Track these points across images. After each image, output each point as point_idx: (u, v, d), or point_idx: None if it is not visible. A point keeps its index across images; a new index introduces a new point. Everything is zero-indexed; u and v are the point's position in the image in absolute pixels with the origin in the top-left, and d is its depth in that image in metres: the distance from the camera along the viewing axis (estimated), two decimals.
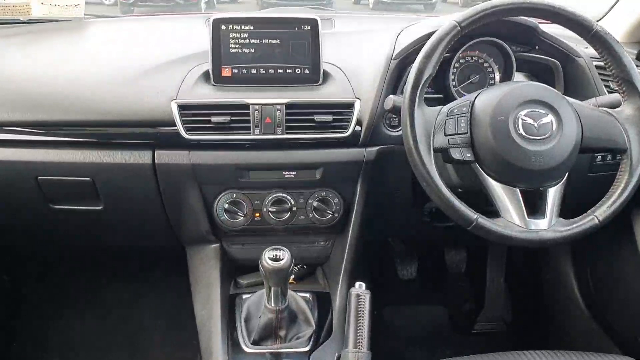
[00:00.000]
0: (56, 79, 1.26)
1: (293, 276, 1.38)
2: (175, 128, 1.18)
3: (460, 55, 1.29)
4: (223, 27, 1.22)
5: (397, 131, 1.25)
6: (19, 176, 1.25)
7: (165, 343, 1.84)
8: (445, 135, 1.05)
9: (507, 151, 1.03)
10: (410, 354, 1.89)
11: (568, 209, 1.09)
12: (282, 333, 1.16)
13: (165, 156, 1.22)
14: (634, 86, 1.08)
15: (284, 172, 1.26)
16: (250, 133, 1.20)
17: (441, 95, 1.31)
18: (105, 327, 1.88)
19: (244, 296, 1.29)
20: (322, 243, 1.39)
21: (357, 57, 1.32)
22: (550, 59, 1.32)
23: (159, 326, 1.89)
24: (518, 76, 1.34)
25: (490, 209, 1.06)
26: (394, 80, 1.25)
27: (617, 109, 1.11)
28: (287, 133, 1.21)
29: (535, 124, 1.04)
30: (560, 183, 1.08)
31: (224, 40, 1.22)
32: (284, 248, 1.08)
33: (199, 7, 10.09)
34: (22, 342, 1.84)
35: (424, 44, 1.06)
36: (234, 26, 1.22)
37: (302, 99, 1.22)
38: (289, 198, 1.29)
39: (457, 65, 1.31)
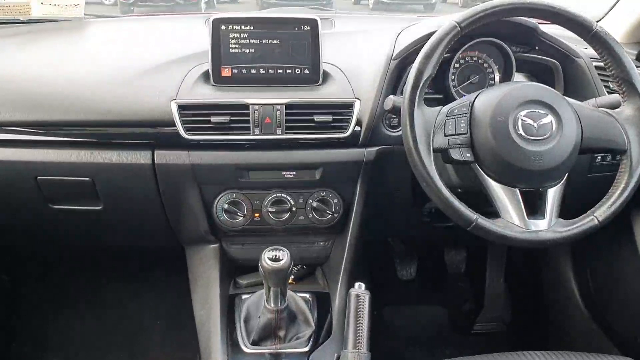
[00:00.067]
0: (56, 79, 1.26)
1: (292, 276, 1.38)
2: (175, 128, 1.18)
3: (460, 56, 1.29)
4: (223, 27, 1.22)
5: (397, 131, 1.25)
6: (18, 176, 1.25)
7: (165, 343, 1.84)
8: (445, 135, 1.05)
9: (507, 151, 1.03)
10: (409, 354, 1.89)
11: (568, 210, 1.09)
12: (281, 333, 1.16)
13: (164, 156, 1.22)
14: (633, 87, 1.08)
15: (283, 172, 1.26)
16: (249, 133, 1.20)
17: (441, 96, 1.31)
18: (105, 327, 1.88)
19: (244, 296, 1.29)
20: (321, 243, 1.39)
21: (357, 58, 1.32)
22: (550, 59, 1.32)
23: (159, 326, 1.89)
24: (518, 76, 1.34)
25: (490, 210, 1.06)
26: (394, 80, 1.25)
27: (617, 110, 1.11)
28: (286, 133, 1.21)
29: (535, 125, 1.04)
30: (560, 183, 1.08)
31: (223, 40, 1.22)
32: (283, 248, 1.08)
33: (199, 7, 10.09)
34: (22, 342, 1.84)
35: (423, 44, 1.06)
36: (234, 26, 1.22)
37: (301, 99, 1.22)
38: (289, 198, 1.29)
39: (457, 65, 1.31)
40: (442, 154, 1.07)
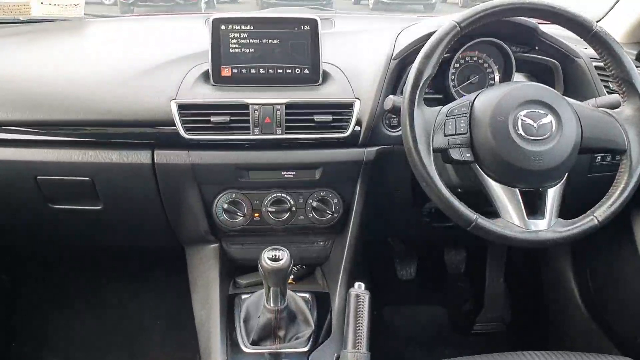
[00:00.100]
0: (56, 78, 1.26)
1: (292, 276, 1.38)
2: (175, 128, 1.18)
3: (460, 56, 1.29)
4: (223, 27, 1.22)
5: (397, 131, 1.25)
6: (18, 176, 1.25)
7: (165, 343, 1.84)
8: (445, 135, 1.05)
9: (507, 151, 1.03)
10: (409, 354, 1.89)
11: (568, 210, 1.09)
12: (281, 333, 1.16)
13: (164, 156, 1.22)
14: (633, 87, 1.08)
15: (283, 172, 1.26)
16: (249, 133, 1.20)
17: (441, 96, 1.31)
18: (105, 327, 1.88)
19: (243, 296, 1.29)
20: (321, 243, 1.39)
21: (356, 57, 1.32)
22: (550, 59, 1.32)
23: (159, 326, 1.89)
24: (518, 76, 1.34)
25: (489, 210, 1.06)
26: (394, 80, 1.25)
27: (616, 110, 1.11)
28: (286, 133, 1.21)
29: (535, 125, 1.04)
30: (560, 183, 1.08)
31: (223, 40, 1.22)
32: (283, 248, 1.08)
33: (199, 7, 10.09)
34: (22, 342, 1.84)
35: (423, 44, 1.06)
36: (234, 26, 1.22)
37: (301, 99, 1.22)
38: (289, 198, 1.29)
39: (457, 65, 1.31)
40: (442, 154, 1.07)
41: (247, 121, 1.19)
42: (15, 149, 1.23)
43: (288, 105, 1.20)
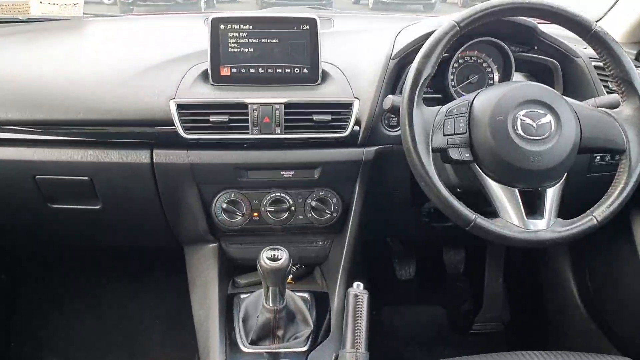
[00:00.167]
0: (55, 78, 1.26)
1: (291, 276, 1.38)
2: (174, 127, 1.18)
3: (459, 55, 1.29)
4: (222, 27, 1.22)
5: (396, 131, 1.24)
6: (16, 175, 1.25)
7: (164, 343, 1.84)
8: (444, 135, 1.05)
9: (506, 151, 1.03)
10: (408, 354, 1.89)
11: (567, 210, 1.09)
12: (280, 333, 1.16)
13: (163, 155, 1.22)
14: (632, 87, 1.08)
15: (282, 172, 1.26)
16: (248, 132, 1.20)
17: (440, 95, 1.31)
18: (105, 327, 1.88)
19: (242, 296, 1.29)
20: (320, 243, 1.39)
21: (356, 57, 1.32)
22: (549, 59, 1.32)
23: (158, 326, 1.89)
24: (517, 76, 1.34)
25: (489, 209, 1.06)
26: (393, 80, 1.25)
27: (616, 110, 1.11)
28: (285, 133, 1.21)
29: (534, 124, 1.04)
30: (559, 183, 1.08)
31: (222, 39, 1.22)
32: (282, 248, 1.08)
33: (199, 6, 10.09)
34: (21, 342, 1.84)
35: (423, 44, 1.06)
36: (233, 25, 1.22)
37: (300, 98, 1.21)
38: (288, 198, 1.29)
39: (456, 65, 1.31)
40: (441, 154, 1.07)
41: (246, 121, 1.19)
42: (13, 149, 1.23)
43: (287, 105, 1.20)
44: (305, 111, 1.21)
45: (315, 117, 1.20)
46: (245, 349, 1.17)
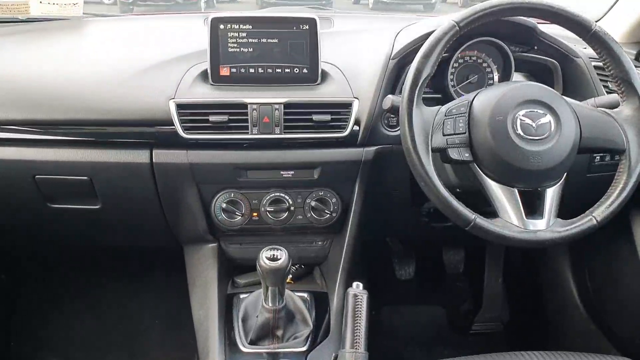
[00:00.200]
0: (55, 78, 1.26)
1: (291, 276, 1.38)
2: (173, 127, 1.18)
3: (459, 55, 1.29)
4: (221, 26, 1.22)
5: (396, 131, 1.24)
6: (16, 175, 1.25)
7: (164, 343, 1.84)
8: (444, 135, 1.05)
9: (506, 151, 1.03)
10: (408, 354, 1.89)
11: (566, 210, 1.09)
12: (279, 333, 1.16)
13: (163, 155, 1.22)
14: (632, 87, 1.08)
15: (282, 172, 1.26)
16: (248, 132, 1.20)
17: (440, 95, 1.31)
18: (104, 327, 1.88)
19: (242, 296, 1.29)
20: (320, 243, 1.39)
21: (355, 57, 1.32)
22: (549, 59, 1.31)
23: (158, 326, 1.89)
24: (517, 76, 1.34)
25: (488, 210, 1.06)
26: (393, 80, 1.25)
27: (615, 110, 1.11)
28: (285, 133, 1.20)
29: (534, 124, 1.03)
30: (559, 183, 1.08)
31: (222, 39, 1.22)
32: (281, 248, 1.08)
33: (199, 6, 10.10)
34: (20, 342, 1.84)
35: (422, 44, 1.06)
36: (233, 25, 1.22)
37: (300, 98, 1.21)
38: (287, 198, 1.29)
39: (456, 65, 1.31)
40: (440, 154, 1.07)
41: (246, 120, 1.19)
42: (13, 148, 1.23)
43: (287, 105, 1.20)
44: (304, 111, 1.20)
45: (315, 117, 1.20)
46: (245, 348, 1.17)
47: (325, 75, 1.26)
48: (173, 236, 1.40)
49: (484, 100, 1.07)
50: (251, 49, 1.23)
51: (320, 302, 1.30)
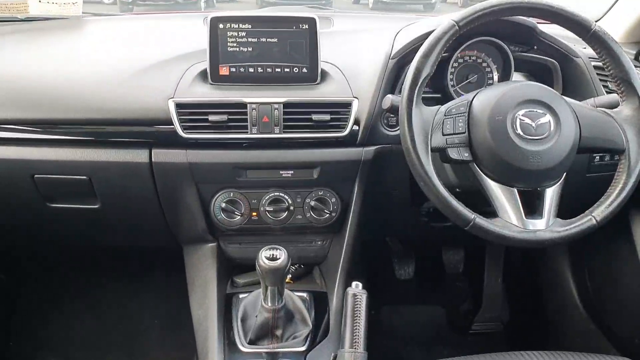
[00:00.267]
0: (54, 77, 1.26)
1: (290, 275, 1.37)
2: (173, 127, 1.18)
3: (459, 55, 1.28)
4: (221, 26, 1.22)
5: (395, 131, 1.24)
6: (15, 174, 1.25)
7: (164, 343, 1.84)
8: (443, 134, 1.05)
9: (505, 151, 1.03)
10: (407, 354, 1.88)
11: (566, 209, 1.09)
12: (278, 332, 1.16)
13: (162, 155, 1.22)
14: (632, 86, 1.08)
15: (281, 172, 1.26)
16: (247, 132, 1.20)
17: (439, 95, 1.31)
18: (104, 327, 1.88)
19: (241, 295, 1.29)
20: (319, 242, 1.39)
21: (355, 56, 1.32)
22: (548, 59, 1.31)
23: (158, 326, 1.89)
24: (516, 76, 1.34)
25: (488, 209, 1.05)
26: (392, 79, 1.25)
27: (615, 110, 1.11)
28: (284, 132, 1.20)
29: (533, 124, 1.03)
30: (558, 183, 1.08)
31: (221, 38, 1.22)
32: (280, 247, 1.08)
33: (199, 6, 10.12)
34: (20, 342, 1.84)
35: (422, 44, 1.06)
36: (232, 25, 1.22)
37: (299, 98, 1.21)
38: (286, 197, 1.29)
39: (455, 64, 1.31)
40: (440, 154, 1.07)
41: (245, 120, 1.19)
42: (12, 148, 1.23)
43: (286, 104, 1.20)
44: (304, 111, 1.20)
45: (315, 117, 1.20)
46: (244, 348, 1.17)
47: (324, 74, 1.26)
48: (172, 236, 1.40)
49: (484, 100, 1.07)
50: (251, 49, 1.23)
51: (319, 302, 1.30)
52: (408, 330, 1.97)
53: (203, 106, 1.19)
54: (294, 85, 1.24)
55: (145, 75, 1.25)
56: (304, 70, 1.24)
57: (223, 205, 1.28)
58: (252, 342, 1.17)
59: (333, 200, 1.30)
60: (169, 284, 1.77)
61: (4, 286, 1.86)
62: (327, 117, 1.20)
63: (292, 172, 1.26)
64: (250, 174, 1.26)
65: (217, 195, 1.28)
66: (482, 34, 1.24)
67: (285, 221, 1.30)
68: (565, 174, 1.09)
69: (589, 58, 1.31)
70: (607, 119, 1.09)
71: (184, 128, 1.18)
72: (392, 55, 1.25)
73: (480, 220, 1.02)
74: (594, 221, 1.05)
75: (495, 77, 1.32)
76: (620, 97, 1.11)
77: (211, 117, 1.17)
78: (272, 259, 1.05)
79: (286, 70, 1.24)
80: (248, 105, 1.19)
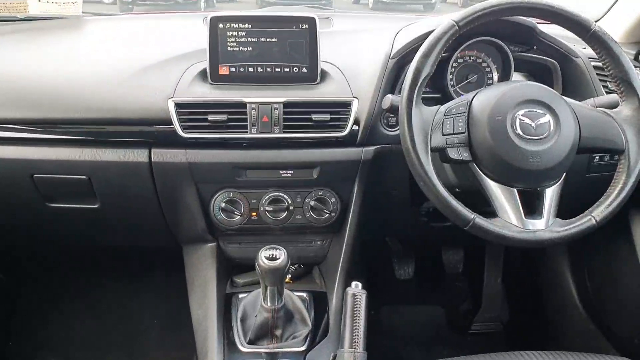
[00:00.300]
0: (54, 77, 1.26)
1: (290, 275, 1.37)
2: (172, 126, 1.18)
3: (459, 55, 1.28)
4: (220, 26, 1.22)
5: (395, 131, 1.24)
6: (14, 174, 1.25)
7: (164, 343, 1.84)
8: (443, 134, 1.05)
9: (505, 151, 1.03)
10: (407, 354, 1.88)
11: (566, 210, 1.09)
12: (278, 332, 1.16)
13: (161, 154, 1.22)
14: (632, 87, 1.08)
15: (281, 171, 1.26)
16: (247, 132, 1.20)
17: (439, 95, 1.30)
18: (104, 327, 1.88)
19: (240, 295, 1.29)
20: (319, 242, 1.39)
21: (355, 56, 1.32)
22: (548, 59, 1.31)
23: (158, 326, 1.89)
24: (516, 76, 1.34)
25: (487, 209, 1.05)
26: (392, 79, 1.25)
27: (615, 110, 1.11)
28: (284, 132, 1.20)
29: (533, 124, 1.03)
30: (558, 183, 1.08)
31: (221, 38, 1.22)
32: (280, 247, 1.07)
33: (199, 5, 10.11)
34: (20, 342, 1.84)
35: (422, 43, 1.06)
36: (232, 24, 1.22)
37: (299, 97, 1.21)
38: (286, 197, 1.29)
39: (455, 64, 1.31)
40: (439, 154, 1.07)
41: (245, 120, 1.19)
42: (11, 147, 1.23)
43: (286, 104, 1.20)
44: (304, 110, 1.20)
45: (314, 117, 1.20)
46: (244, 348, 1.17)
47: (324, 74, 1.26)
48: (172, 236, 1.40)
49: (484, 100, 1.07)
50: (250, 48, 1.23)
51: (319, 302, 1.30)
52: (408, 330, 1.97)
53: (203, 106, 1.19)
54: (293, 85, 1.24)
55: (145, 75, 1.25)
56: (304, 70, 1.24)
57: (223, 205, 1.28)
58: (251, 342, 1.17)
59: (333, 200, 1.30)
60: (169, 284, 1.77)
61: (4, 286, 1.86)
62: (327, 117, 1.20)
63: (292, 172, 1.26)
64: (250, 174, 1.26)
65: (217, 195, 1.28)
66: (482, 34, 1.24)
67: (284, 221, 1.30)
68: (564, 174, 1.09)
69: (589, 58, 1.31)
70: (606, 119, 1.09)
71: (184, 128, 1.18)
72: (392, 55, 1.25)
73: (480, 220, 1.02)
74: (593, 221, 1.05)
75: (495, 77, 1.32)
76: (620, 97, 1.11)
77: (211, 117, 1.17)
78: (272, 258, 1.05)
79: (286, 70, 1.24)
80: (248, 105, 1.19)
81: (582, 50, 1.31)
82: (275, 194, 1.28)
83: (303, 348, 1.17)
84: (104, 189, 1.27)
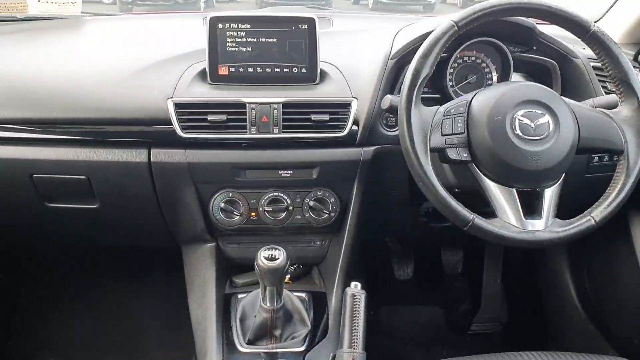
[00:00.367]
0: (54, 77, 1.26)
1: (289, 276, 1.37)
2: (171, 126, 1.18)
3: (458, 55, 1.28)
4: (220, 26, 1.22)
5: (394, 131, 1.24)
6: (13, 174, 1.25)
7: (163, 343, 1.84)
8: (442, 135, 1.05)
9: (504, 151, 1.03)
10: (406, 354, 1.88)
11: (565, 210, 1.09)
12: (277, 333, 1.16)
13: (161, 154, 1.22)
14: (631, 87, 1.08)
15: (280, 172, 1.26)
16: (246, 132, 1.20)
17: (438, 95, 1.30)
18: (104, 327, 1.88)
19: (239, 296, 1.29)
20: (318, 243, 1.39)
21: (354, 57, 1.32)
22: (547, 59, 1.31)
23: (157, 326, 1.89)
24: (515, 76, 1.34)
25: (487, 210, 1.05)
26: (391, 79, 1.25)
27: (614, 110, 1.11)
28: (283, 132, 1.20)
29: (532, 125, 1.03)
30: (557, 184, 1.08)
31: (220, 38, 1.22)
32: (279, 247, 1.08)
33: (198, 6, 10.10)
34: (20, 342, 1.84)
35: (421, 44, 1.06)
36: (231, 25, 1.22)
37: (298, 98, 1.21)
38: (285, 197, 1.29)
39: (455, 65, 1.31)
40: (439, 154, 1.07)
41: (244, 120, 1.19)
42: (10, 147, 1.23)
43: (285, 104, 1.20)
44: (303, 111, 1.20)
45: (314, 117, 1.20)
46: (243, 348, 1.17)
47: (324, 75, 1.26)
48: (171, 236, 1.40)
49: (483, 100, 1.07)
50: (250, 49, 1.23)
51: (318, 302, 1.30)
52: (407, 330, 1.97)
53: (202, 106, 1.19)
54: (293, 85, 1.24)
55: (144, 75, 1.25)
56: (303, 70, 1.24)
57: (222, 205, 1.28)
58: (250, 342, 1.17)
59: (332, 200, 1.30)
60: (169, 284, 1.77)
61: (4, 286, 1.86)
62: (326, 117, 1.21)
63: (291, 172, 1.26)
64: (249, 174, 1.26)
65: (216, 195, 1.28)
66: (481, 34, 1.24)
67: (284, 221, 1.30)
68: (564, 174, 1.09)
69: (588, 59, 1.30)
70: (606, 120, 1.09)
71: (183, 128, 1.18)
72: (391, 55, 1.25)
73: (479, 221, 1.02)
74: (592, 222, 1.05)
75: (495, 78, 1.32)
76: (619, 97, 1.11)
77: (210, 117, 1.17)
78: (271, 259, 1.05)
79: (285, 70, 1.24)
80: (247, 105, 1.19)
81: (582, 51, 1.31)
82: (274, 194, 1.28)
83: (302, 348, 1.17)
84: (103, 189, 1.27)
